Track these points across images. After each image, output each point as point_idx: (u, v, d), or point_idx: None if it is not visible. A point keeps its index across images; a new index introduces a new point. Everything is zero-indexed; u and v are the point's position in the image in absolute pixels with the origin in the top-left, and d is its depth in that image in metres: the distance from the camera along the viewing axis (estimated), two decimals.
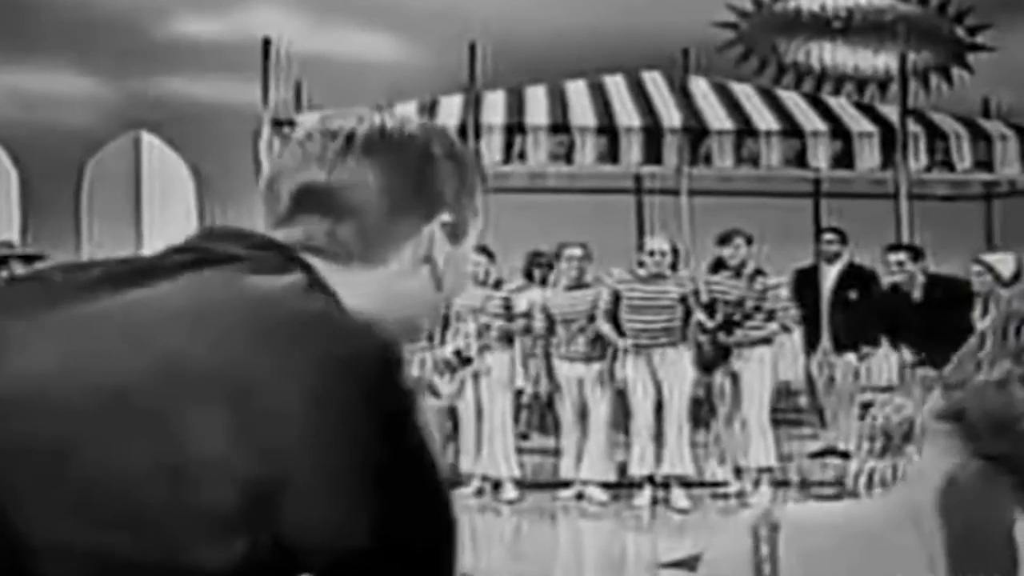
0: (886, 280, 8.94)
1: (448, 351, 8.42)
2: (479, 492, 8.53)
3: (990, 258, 8.53)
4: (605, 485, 8.37)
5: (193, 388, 1.23)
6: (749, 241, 8.51)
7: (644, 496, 8.26)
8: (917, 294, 8.54)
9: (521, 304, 8.69)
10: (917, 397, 8.45)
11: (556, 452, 8.84)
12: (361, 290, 1.35)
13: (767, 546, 1.25)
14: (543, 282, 9.31)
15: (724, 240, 8.54)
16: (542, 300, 8.71)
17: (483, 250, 9.05)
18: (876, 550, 1.24)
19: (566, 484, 8.55)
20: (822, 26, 12.00)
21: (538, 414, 10.04)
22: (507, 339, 8.66)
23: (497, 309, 8.62)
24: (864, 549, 1.24)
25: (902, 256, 8.75)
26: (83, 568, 1.24)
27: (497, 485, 8.53)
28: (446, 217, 1.41)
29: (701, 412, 8.79)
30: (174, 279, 1.32)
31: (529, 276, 9.48)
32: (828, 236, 9.83)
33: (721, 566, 1.28)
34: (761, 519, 1.27)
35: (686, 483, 8.22)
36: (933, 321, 8.01)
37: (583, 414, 8.51)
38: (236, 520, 1.22)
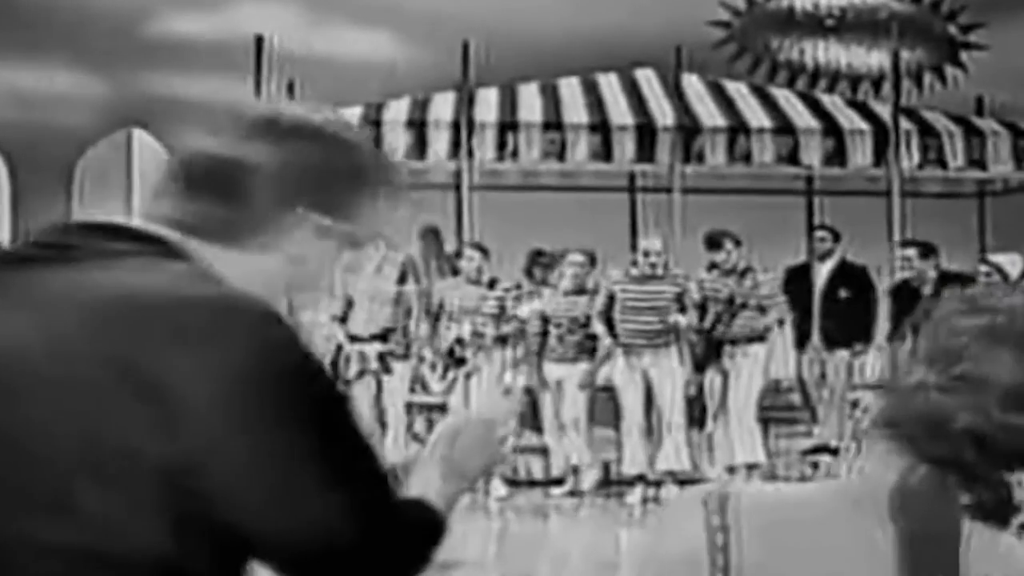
0: (897, 276, 8.92)
1: (445, 345, 8.43)
2: (470, 488, 8.53)
3: (998, 258, 8.53)
4: (595, 483, 8.38)
5: (101, 379, 1.24)
6: (738, 243, 8.53)
7: (635, 494, 8.26)
8: (928, 290, 8.55)
9: (521, 312, 8.69)
10: None
11: (545, 451, 8.85)
12: (242, 274, 1.36)
13: (717, 518, 1.24)
14: (543, 282, 9.29)
15: (713, 244, 8.54)
16: (541, 308, 8.70)
17: (477, 247, 9.04)
18: (821, 531, 1.23)
19: (557, 482, 8.55)
20: (815, 24, 12.00)
21: (529, 412, 10.04)
22: (501, 340, 8.65)
23: (492, 311, 8.62)
24: (810, 530, 1.24)
25: (911, 252, 8.75)
26: (10, 554, 1.25)
27: (487, 483, 8.53)
28: (317, 217, 1.40)
29: (695, 411, 8.80)
30: (63, 270, 1.32)
31: (530, 275, 9.47)
32: (820, 234, 9.84)
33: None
34: (709, 494, 1.27)
35: (679, 481, 8.23)
36: None
37: (567, 413, 8.52)
38: (159, 507, 1.23)
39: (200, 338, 1.26)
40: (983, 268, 8.38)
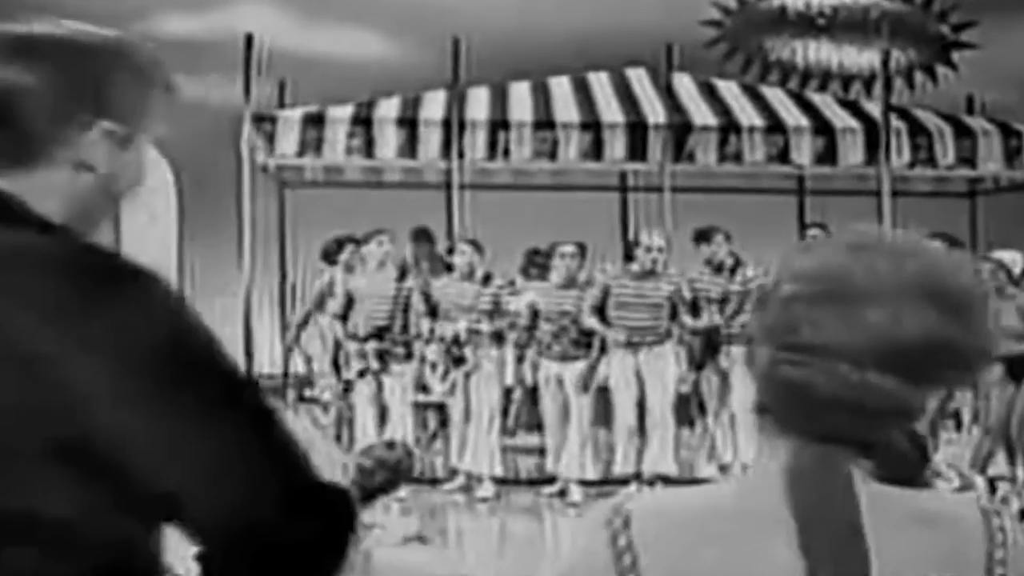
0: None
1: (443, 343, 8.40)
2: (464, 488, 8.51)
3: (1000, 255, 8.54)
4: (587, 483, 8.35)
5: None
6: (728, 238, 8.50)
7: (623, 493, 8.24)
8: None
9: (514, 306, 8.66)
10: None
11: (541, 450, 8.83)
12: (35, 195, 1.37)
13: (623, 537, 1.23)
14: (540, 280, 9.27)
15: (703, 237, 8.52)
16: (533, 300, 8.68)
17: (470, 242, 9.01)
18: (727, 542, 1.22)
19: (550, 480, 8.53)
20: (807, 24, 12.00)
21: (526, 411, 10.02)
22: (497, 337, 8.63)
23: (487, 307, 8.60)
24: (716, 541, 1.22)
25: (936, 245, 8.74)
26: None
27: (479, 481, 8.51)
28: (107, 125, 1.41)
29: (690, 410, 8.78)
30: None
31: (526, 274, 9.44)
32: (813, 232, 9.83)
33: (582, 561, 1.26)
34: (613, 512, 1.26)
35: (671, 481, 8.21)
36: None
37: (565, 412, 8.49)
38: (61, 470, 1.26)
39: (78, 309, 1.27)
40: (987, 265, 8.39)
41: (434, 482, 8.58)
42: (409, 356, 8.70)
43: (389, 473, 5.41)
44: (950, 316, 1.23)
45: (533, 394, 9.06)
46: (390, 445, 5.23)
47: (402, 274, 8.99)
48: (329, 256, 9.60)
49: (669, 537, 1.23)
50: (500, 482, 8.55)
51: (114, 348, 1.27)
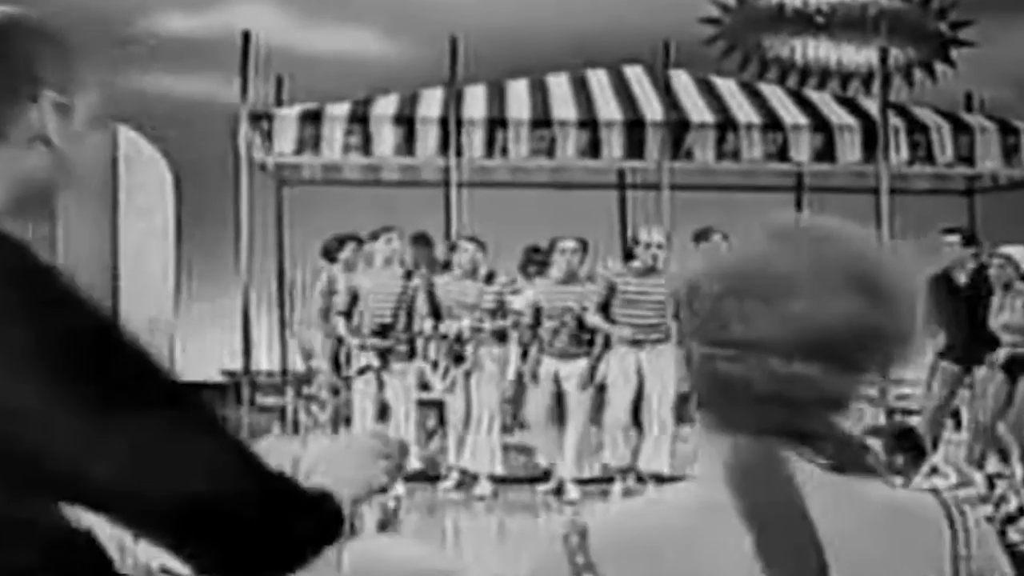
0: (940, 266, 8.89)
1: (445, 341, 8.39)
2: (459, 486, 8.51)
3: (1010, 250, 8.54)
4: (584, 480, 8.35)
5: None
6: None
7: (617, 489, 8.24)
8: (963, 279, 8.55)
9: (517, 304, 8.65)
10: (936, 393, 8.47)
11: (528, 449, 8.85)
12: None
13: (580, 555, 1.21)
14: (539, 276, 9.26)
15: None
16: (535, 298, 8.66)
17: (472, 239, 8.99)
18: (684, 552, 1.20)
19: (544, 477, 8.53)
20: (805, 21, 11.99)
21: (523, 410, 10.02)
22: (500, 336, 8.61)
23: (490, 305, 8.58)
24: (672, 553, 1.20)
25: (953, 239, 8.75)
26: None
27: (476, 479, 8.50)
28: (53, 95, 1.42)
29: (689, 408, 8.77)
30: None
31: (525, 271, 9.44)
32: None
33: None
34: (570, 528, 1.24)
35: (664, 479, 8.21)
36: (973, 307, 8.07)
37: (560, 411, 8.48)
38: None
39: None
40: (995, 260, 8.40)
41: (433, 480, 8.58)
42: (412, 354, 8.69)
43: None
44: (872, 301, 1.22)
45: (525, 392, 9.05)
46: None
47: (409, 272, 8.96)
48: (330, 253, 9.59)
49: (627, 550, 1.21)
50: (498, 480, 8.55)
51: (34, 349, 1.27)
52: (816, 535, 1.19)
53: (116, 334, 1.36)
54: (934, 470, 5.72)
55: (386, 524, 5.65)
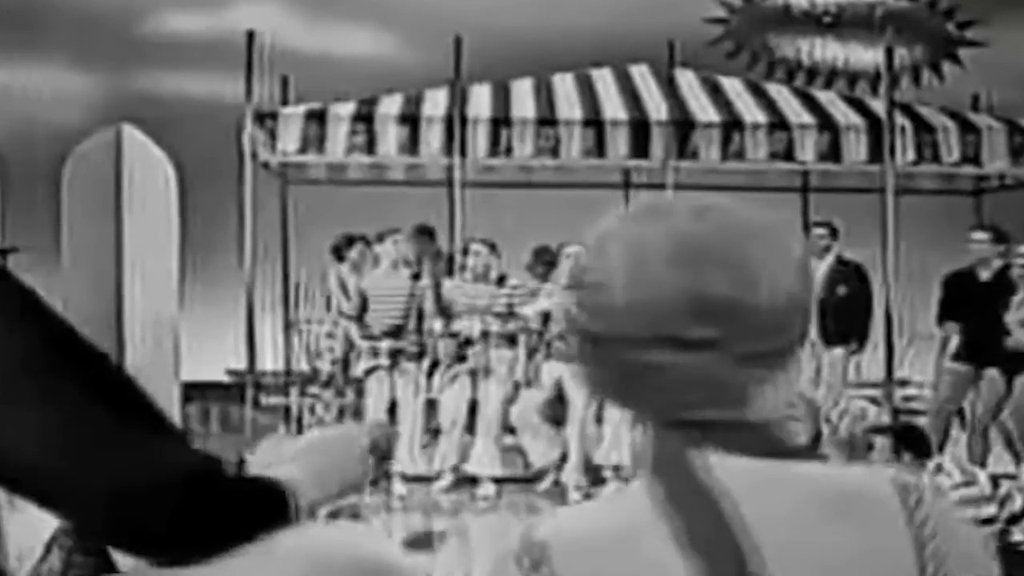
0: (968, 262, 8.86)
1: (455, 344, 8.38)
2: (457, 487, 8.50)
3: None
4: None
5: None
6: None
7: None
8: (986, 276, 8.54)
9: (529, 309, 8.64)
10: (945, 393, 8.45)
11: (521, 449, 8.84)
12: None
13: (546, 567, 1.18)
14: (546, 278, 9.24)
15: None
16: (547, 307, 8.65)
17: (485, 242, 8.98)
18: (637, 539, 1.17)
19: (538, 476, 8.52)
20: (812, 21, 11.96)
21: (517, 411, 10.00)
22: (509, 339, 8.60)
23: (501, 309, 8.58)
24: (628, 540, 1.17)
25: (983, 236, 8.74)
26: None
27: (475, 481, 8.50)
28: None
29: None
30: None
31: (533, 271, 9.43)
32: (819, 231, 9.81)
33: None
34: (524, 543, 1.20)
35: None
36: (994, 306, 8.05)
37: (563, 413, 8.48)
38: None
39: None
40: (1018, 260, 8.39)
41: (433, 480, 8.57)
42: (421, 355, 8.68)
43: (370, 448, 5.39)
44: (703, 273, 1.17)
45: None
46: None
47: (416, 275, 8.95)
48: (339, 251, 9.58)
49: (584, 558, 1.18)
50: (498, 481, 8.54)
51: None
52: (726, 521, 1.14)
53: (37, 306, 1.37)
54: (938, 468, 5.70)
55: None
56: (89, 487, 1.32)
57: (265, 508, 1.41)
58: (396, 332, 8.65)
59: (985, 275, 8.56)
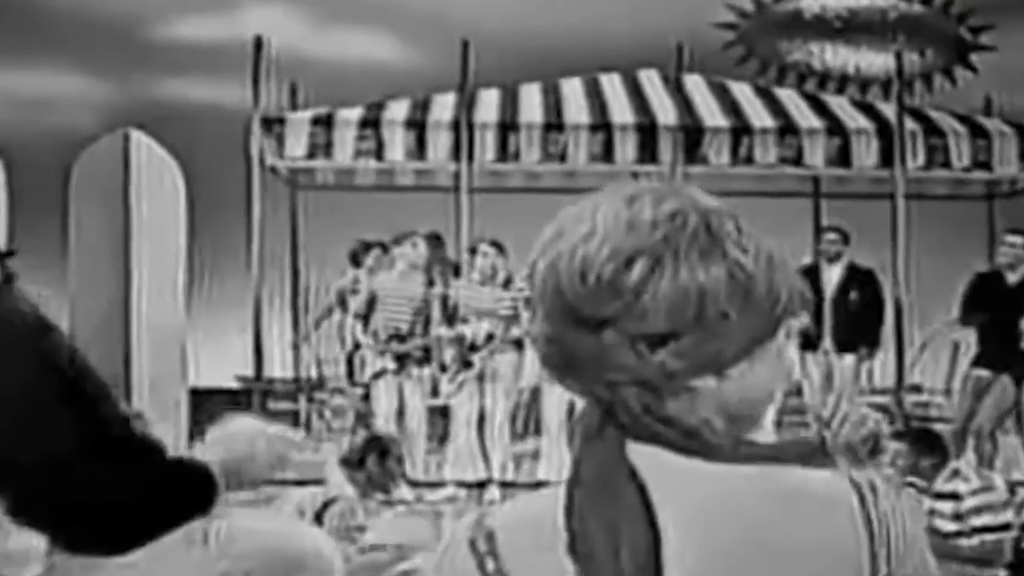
0: (997, 262, 8.82)
1: (459, 347, 8.35)
2: (465, 491, 8.47)
3: None
4: None
5: None
6: None
7: None
8: (1013, 279, 8.49)
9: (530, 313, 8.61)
10: (966, 399, 8.41)
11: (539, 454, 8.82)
12: None
13: (491, 561, 1.16)
14: None
15: None
16: None
17: (492, 243, 8.94)
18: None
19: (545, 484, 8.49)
20: (824, 27, 11.91)
21: (534, 416, 9.98)
22: (515, 343, 8.57)
23: (506, 312, 8.55)
24: (555, 532, 1.15)
25: (1018, 240, 8.69)
26: None
27: (483, 486, 8.47)
28: None
29: None
30: None
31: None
32: (830, 236, 9.76)
33: None
34: (475, 530, 1.19)
35: None
36: (1019, 310, 8.01)
37: (570, 415, 8.45)
38: None
39: None
40: None
41: (439, 486, 8.55)
42: (428, 360, 8.66)
43: (378, 450, 5.36)
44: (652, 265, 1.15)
45: (537, 398, 9.01)
46: (378, 436, 5.14)
47: (431, 280, 8.92)
48: (356, 257, 9.57)
49: (532, 546, 1.17)
50: (507, 486, 8.51)
51: None
52: (638, 503, 1.13)
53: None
54: (955, 473, 5.66)
55: None
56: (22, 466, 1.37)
57: (194, 492, 1.47)
58: (402, 336, 8.62)
59: (1013, 278, 8.50)
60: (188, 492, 1.48)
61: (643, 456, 1.16)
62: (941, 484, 5.53)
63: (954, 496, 5.49)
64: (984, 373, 8.38)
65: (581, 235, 1.18)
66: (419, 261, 8.81)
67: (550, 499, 1.20)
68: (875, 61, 11.70)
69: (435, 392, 8.82)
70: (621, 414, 1.16)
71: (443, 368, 8.66)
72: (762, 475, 1.16)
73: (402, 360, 8.60)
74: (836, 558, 1.14)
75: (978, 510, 5.45)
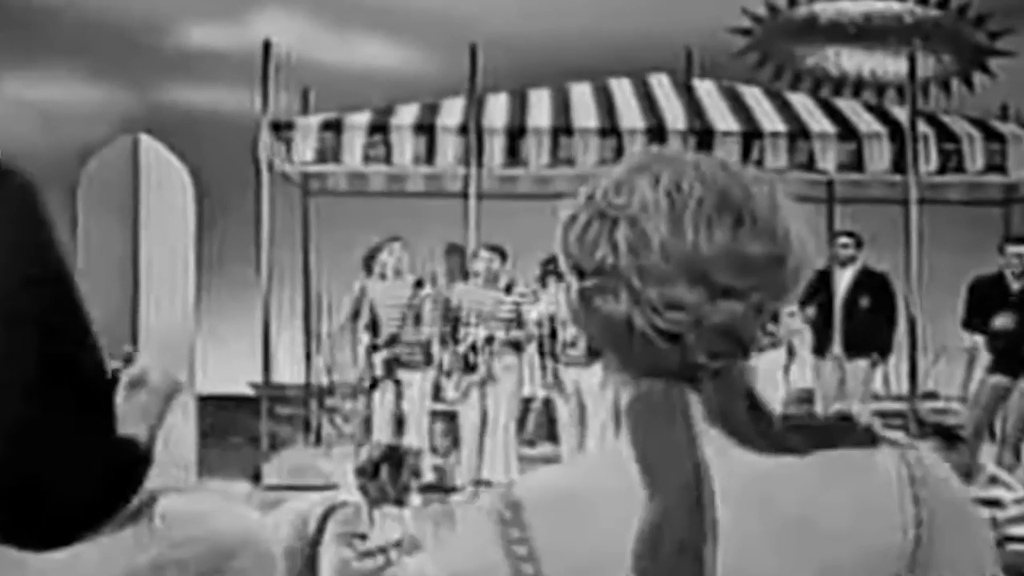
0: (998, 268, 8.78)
1: (460, 349, 8.33)
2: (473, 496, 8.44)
3: None
4: None
5: None
6: None
7: None
8: (1016, 285, 8.45)
9: (532, 314, 8.60)
10: (986, 405, 8.35)
11: (560, 460, 8.75)
12: None
13: (516, 530, 1.15)
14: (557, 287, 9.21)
15: None
16: (549, 310, 8.60)
17: (493, 248, 8.92)
18: (616, 498, 1.14)
19: None
20: (839, 31, 11.86)
21: (545, 421, 9.95)
22: (515, 346, 8.55)
23: (508, 315, 8.52)
24: (605, 499, 1.15)
25: (1022, 249, 8.66)
26: None
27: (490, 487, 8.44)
28: None
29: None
30: None
31: (543, 283, 9.38)
32: (844, 240, 9.72)
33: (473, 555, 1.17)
34: (501, 501, 1.17)
35: None
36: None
37: (582, 419, 8.41)
38: None
39: None
40: None
41: (450, 491, 8.51)
42: (428, 363, 8.63)
43: (394, 461, 5.31)
44: (740, 226, 1.19)
45: (549, 404, 8.98)
46: (395, 447, 5.12)
47: (419, 281, 8.94)
48: (369, 263, 9.60)
49: (561, 517, 1.15)
50: None
51: None
52: (703, 476, 1.12)
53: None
54: (993, 479, 5.60)
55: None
56: None
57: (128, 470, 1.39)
58: (392, 340, 8.64)
59: (1015, 286, 8.45)
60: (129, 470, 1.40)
61: (711, 439, 1.16)
62: (979, 490, 5.45)
63: (995, 503, 5.40)
64: (1001, 380, 8.33)
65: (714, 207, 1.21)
66: (401, 265, 8.83)
67: (579, 469, 1.22)
68: (891, 66, 11.64)
69: (436, 395, 8.81)
70: (709, 391, 1.16)
71: (447, 374, 8.64)
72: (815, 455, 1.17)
73: (391, 365, 8.60)
74: (883, 533, 1.14)
75: (1021, 519, 5.36)
